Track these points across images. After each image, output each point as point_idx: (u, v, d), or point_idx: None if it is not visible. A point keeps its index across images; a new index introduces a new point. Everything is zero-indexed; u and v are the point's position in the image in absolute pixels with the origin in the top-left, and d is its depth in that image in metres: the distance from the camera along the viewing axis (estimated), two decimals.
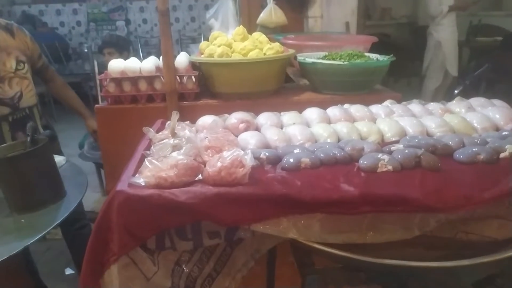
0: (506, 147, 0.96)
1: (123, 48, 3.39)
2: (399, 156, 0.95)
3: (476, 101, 1.31)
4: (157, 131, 1.27)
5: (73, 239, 1.97)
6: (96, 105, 1.72)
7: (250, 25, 3.11)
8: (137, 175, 0.91)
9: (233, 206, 0.86)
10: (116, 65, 1.70)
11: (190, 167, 0.91)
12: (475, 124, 1.15)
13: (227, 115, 1.36)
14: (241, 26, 1.89)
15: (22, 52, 1.70)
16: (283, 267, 1.24)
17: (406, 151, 0.97)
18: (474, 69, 4.05)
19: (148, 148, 1.12)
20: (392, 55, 1.70)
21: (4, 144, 1.34)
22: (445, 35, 3.94)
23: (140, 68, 1.69)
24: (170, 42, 1.62)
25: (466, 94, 3.23)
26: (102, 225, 0.84)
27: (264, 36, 1.80)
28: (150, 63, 1.70)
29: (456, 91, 2.32)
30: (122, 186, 0.87)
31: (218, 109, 1.66)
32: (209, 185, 0.89)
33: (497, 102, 1.29)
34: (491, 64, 3.04)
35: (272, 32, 2.75)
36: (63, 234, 2.00)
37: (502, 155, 0.96)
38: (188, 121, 1.32)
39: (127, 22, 6.33)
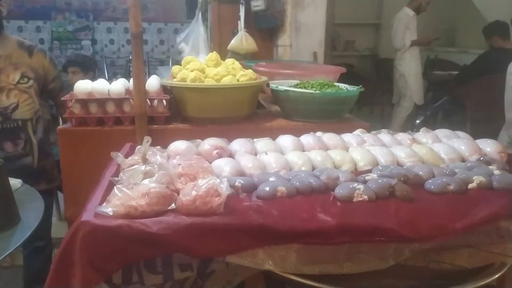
0: (473, 178, 1.00)
1: (89, 67, 3.29)
2: (374, 186, 0.96)
3: (441, 133, 1.37)
4: (126, 156, 1.22)
5: (30, 254, 1.89)
6: (59, 127, 1.63)
7: (221, 51, 3.13)
8: (104, 204, 0.85)
9: (208, 237, 0.82)
10: (83, 86, 1.63)
11: (163, 196, 0.87)
12: (442, 155, 1.19)
13: (199, 140, 1.33)
14: (214, 52, 1.89)
15: (33, 70, 1.79)
16: None
17: (380, 181, 0.98)
18: (432, 100, 4.30)
19: (116, 174, 1.06)
20: (361, 86, 1.76)
21: None
22: (408, 69, 4.18)
23: (108, 90, 1.64)
24: (142, 64, 1.59)
25: (426, 123, 3.40)
26: (63, 258, 0.77)
27: (237, 63, 1.81)
28: (120, 85, 1.65)
29: (417, 121, 2.44)
30: (87, 216, 0.80)
31: (189, 134, 1.63)
32: (182, 215, 0.85)
33: (461, 134, 1.36)
34: (448, 97, 3.25)
35: (243, 58, 2.79)
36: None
37: (470, 185, 0.99)
38: (159, 146, 1.28)
39: (93, 42, 6.20)
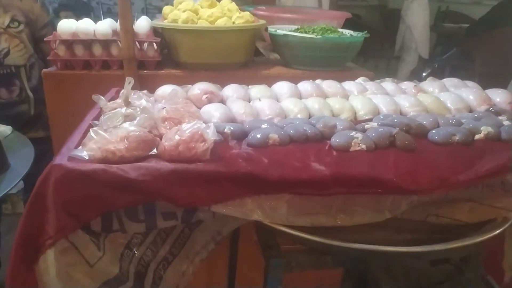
0: (481, 128, 0.92)
1: (82, 12, 3.12)
2: (373, 135, 0.89)
3: (449, 82, 1.28)
4: (110, 100, 1.14)
5: None
6: (44, 70, 1.53)
7: None
8: (80, 147, 0.79)
9: (192, 184, 0.76)
10: (67, 25, 1.51)
11: (144, 140, 0.80)
12: (449, 105, 1.11)
13: (190, 85, 1.24)
14: None
15: (23, 14, 1.69)
16: (246, 247, 1.17)
17: (380, 129, 0.91)
18: (441, 54, 4.11)
19: (97, 118, 0.99)
20: (366, 31, 1.63)
21: None
22: (415, 19, 3.95)
23: (94, 30, 1.52)
24: (128, 3, 1.45)
25: (433, 76, 3.27)
26: (35, 204, 0.72)
27: (233, 4, 1.67)
28: (106, 25, 1.53)
29: (424, 74, 2.32)
30: (60, 159, 0.74)
31: (181, 80, 1.53)
32: (164, 161, 0.78)
33: (470, 83, 1.26)
34: (457, 50, 3.09)
35: (243, 3, 2.62)
36: None
37: (477, 136, 0.92)
38: (145, 90, 1.20)
39: None
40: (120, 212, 0.78)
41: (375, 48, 4.53)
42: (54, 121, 1.60)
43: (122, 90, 1.16)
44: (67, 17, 3.06)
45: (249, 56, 1.71)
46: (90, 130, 0.79)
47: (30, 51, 1.78)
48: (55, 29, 1.93)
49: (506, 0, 3.42)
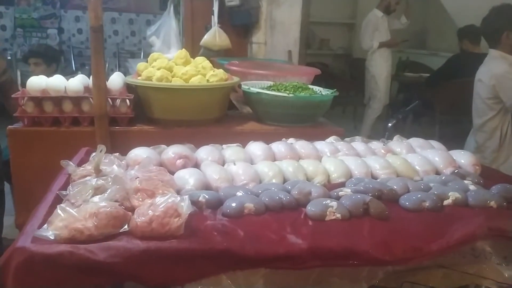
0: (449, 194, 0.96)
1: (52, 59, 3.08)
2: (348, 203, 0.90)
3: (415, 142, 1.34)
4: (79, 163, 1.11)
5: None
6: (9, 127, 1.48)
7: (193, 46, 3.01)
8: (45, 226, 0.75)
9: (165, 264, 0.73)
10: (37, 81, 1.49)
11: (114, 217, 0.77)
12: (417, 167, 1.15)
13: (163, 146, 1.23)
14: (183, 49, 1.79)
15: None
16: None
17: (354, 197, 0.92)
18: (404, 102, 4.34)
19: (65, 186, 0.95)
20: (335, 90, 1.71)
21: None
22: (378, 69, 4.20)
23: (65, 87, 1.50)
24: (102, 61, 1.46)
25: (398, 125, 3.43)
26: None
27: (207, 61, 1.71)
28: (77, 82, 1.52)
29: (390, 124, 2.44)
30: (23, 241, 0.70)
31: (154, 136, 1.53)
32: (136, 238, 0.75)
33: (434, 143, 1.33)
34: (419, 101, 3.29)
35: (216, 55, 2.69)
36: None
37: (445, 202, 0.96)
38: (118, 153, 1.17)
39: (60, 30, 5.87)
40: None
41: (342, 96, 4.74)
42: (18, 177, 1.52)
43: (93, 154, 1.13)
44: (36, 64, 3.02)
45: (223, 112, 1.73)
46: (58, 207, 0.75)
47: None
48: (12, 76, 1.91)
49: (461, 52, 3.71)
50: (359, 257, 0.79)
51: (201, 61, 1.71)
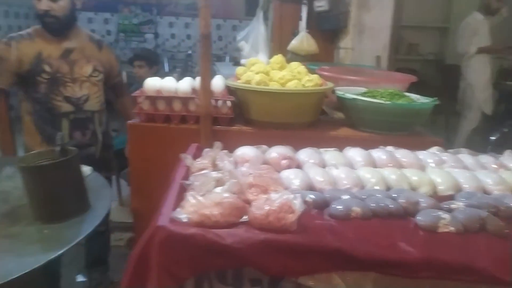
0: None
1: (153, 62, 3.40)
2: (461, 217, 0.87)
3: None
4: (194, 157, 1.22)
5: (91, 238, 1.98)
6: (129, 122, 1.68)
7: (281, 51, 3.09)
8: (178, 209, 0.85)
9: (281, 255, 0.79)
10: (152, 83, 1.67)
11: (236, 207, 0.85)
12: None
13: (265, 146, 1.30)
14: (280, 54, 1.86)
15: (102, 64, 1.85)
16: None
17: (468, 211, 0.89)
18: (505, 113, 3.95)
19: (186, 177, 1.06)
20: (436, 98, 1.64)
21: (33, 152, 1.31)
22: (475, 77, 3.88)
23: (176, 88, 1.66)
24: (210, 65, 1.59)
25: (503, 140, 3.12)
26: (140, 261, 0.78)
27: (303, 67, 1.77)
28: (186, 84, 1.67)
29: (493, 138, 2.25)
30: (163, 221, 0.81)
31: (252, 137, 1.62)
32: (255, 229, 0.82)
33: None
34: None
35: (303, 59, 2.73)
36: None
37: None
38: (226, 150, 1.27)
39: (156, 35, 6.43)
40: (211, 274, 0.82)
41: (440, 104, 4.46)
42: (134, 166, 1.72)
43: (206, 149, 1.25)
44: (140, 66, 3.36)
45: (316, 116, 1.77)
46: (188, 194, 0.85)
47: (103, 98, 1.93)
48: (123, 78, 2.12)
49: None
50: (478, 274, 0.77)
51: (296, 66, 1.77)
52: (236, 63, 5.66)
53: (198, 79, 1.72)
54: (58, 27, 1.72)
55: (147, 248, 0.78)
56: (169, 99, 1.66)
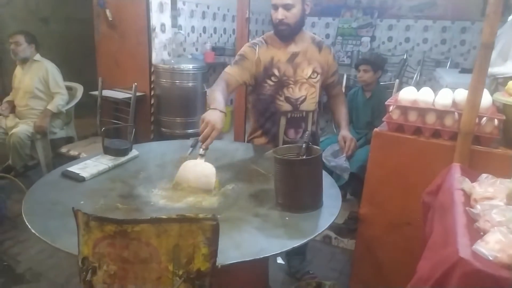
0: None
1: (378, 67, 3.34)
2: None
3: None
4: (450, 180, 1.11)
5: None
6: (375, 129, 1.69)
7: None
8: (479, 241, 0.78)
9: None
10: (408, 93, 1.62)
11: None
12: None
13: None
14: None
15: (320, 65, 1.89)
16: None
17: None
18: None
19: (467, 203, 0.97)
20: None
21: (284, 146, 1.43)
22: None
23: (434, 100, 1.56)
24: (484, 79, 1.41)
25: None
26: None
27: None
28: (447, 97, 1.55)
29: None
30: (465, 253, 0.75)
31: None
32: None
33: None
34: None
35: None
36: None
37: None
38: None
39: (372, 38, 6.36)
40: None
41: None
42: (371, 172, 1.71)
43: (484, 174, 1.11)
44: (365, 70, 3.36)
45: None
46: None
47: (318, 98, 1.93)
48: (339, 76, 2.04)
49: None
50: None
51: None
52: (463, 69, 4.96)
53: (458, 92, 1.57)
54: (288, 33, 1.80)
55: (444, 277, 0.74)
56: (424, 110, 1.58)
